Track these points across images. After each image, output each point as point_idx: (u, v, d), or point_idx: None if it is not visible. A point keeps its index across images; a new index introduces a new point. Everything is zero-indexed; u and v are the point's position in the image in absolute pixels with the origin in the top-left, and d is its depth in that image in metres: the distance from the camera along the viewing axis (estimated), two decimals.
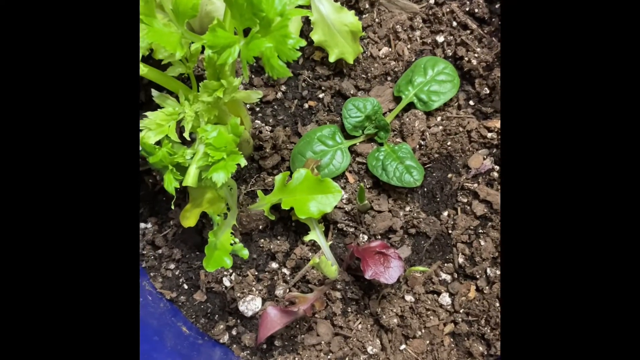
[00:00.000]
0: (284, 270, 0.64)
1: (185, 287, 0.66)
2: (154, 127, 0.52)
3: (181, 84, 0.54)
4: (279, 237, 0.65)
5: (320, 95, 0.70)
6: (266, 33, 0.42)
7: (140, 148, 0.52)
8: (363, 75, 0.70)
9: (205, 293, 0.65)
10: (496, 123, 0.65)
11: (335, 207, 0.65)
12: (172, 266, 0.66)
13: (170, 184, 0.53)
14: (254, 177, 0.68)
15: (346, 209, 0.65)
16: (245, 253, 0.54)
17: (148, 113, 0.52)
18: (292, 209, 0.63)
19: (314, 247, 0.64)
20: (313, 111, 0.70)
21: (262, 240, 0.65)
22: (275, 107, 0.70)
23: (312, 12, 0.66)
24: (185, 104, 0.53)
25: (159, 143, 0.53)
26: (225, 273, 0.64)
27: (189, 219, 0.60)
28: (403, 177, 0.63)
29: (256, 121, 0.69)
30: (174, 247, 0.66)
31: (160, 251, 0.67)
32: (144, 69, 0.48)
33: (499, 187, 0.63)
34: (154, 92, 0.53)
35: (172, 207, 0.59)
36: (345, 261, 0.63)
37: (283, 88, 0.71)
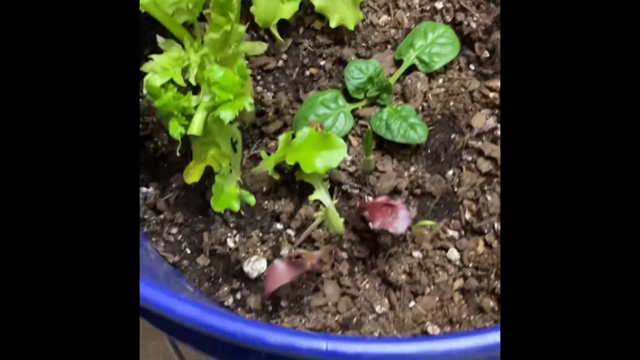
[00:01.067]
0: (289, 231, 0.63)
1: (188, 251, 0.64)
2: (159, 70, 0.52)
3: (186, 32, 0.54)
4: (282, 199, 0.64)
5: (322, 63, 0.70)
6: None
7: (145, 92, 0.52)
8: (363, 44, 0.70)
9: (208, 256, 0.64)
10: (498, 83, 0.66)
11: (339, 168, 0.65)
12: (174, 230, 0.65)
13: (175, 130, 0.52)
14: (256, 143, 0.67)
15: (350, 170, 0.65)
16: (252, 200, 0.53)
17: (153, 56, 0.52)
18: (296, 169, 0.63)
19: (319, 207, 0.63)
20: (314, 78, 0.70)
21: (266, 202, 0.64)
22: (277, 74, 0.71)
23: None
24: (190, 50, 0.53)
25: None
26: (228, 234, 0.63)
27: (193, 175, 0.59)
28: (408, 134, 0.63)
29: (257, 87, 0.69)
30: (176, 211, 0.65)
31: (162, 216, 0.65)
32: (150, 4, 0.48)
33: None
34: (159, 38, 0.53)
35: (178, 153, 0.58)
36: (351, 222, 0.62)
37: (284, 56, 0.71)
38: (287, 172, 0.65)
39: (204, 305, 0.41)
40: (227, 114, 0.49)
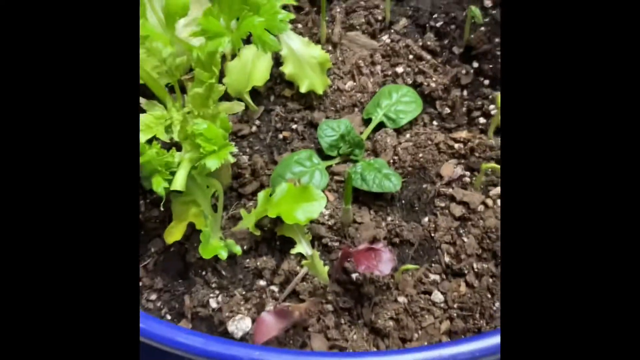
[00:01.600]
0: (273, 287, 0.63)
1: (169, 317, 0.62)
2: (143, 128, 0.53)
3: (167, 93, 0.56)
4: (264, 256, 0.64)
5: (294, 126, 0.73)
6: (256, 13, 0.46)
7: None
8: (332, 108, 0.74)
9: (190, 320, 0.62)
10: (461, 134, 0.70)
11: (318, 222, 0.66)
12: (153, 296, 0.63)
13: (159, 185, 0.53)
14: (234, 204, 0.68)
15: (329, 223, 0.66)
16: (238, 249, 0.54)
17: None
18: (276, 226, 0.64)
19: (301, 260, 0.64)
20: (288, 141, 0.73)
21: (247, 260, 0.64)
22: (251, 139, 0.73)
23: (282, 48, 0.71)
24: (172, 109, 0.55)
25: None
26: (211, 295, 0.62)
27: (174, 234, 0.59)
28: (383, 183, 0.65)
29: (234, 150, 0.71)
30: (155, 277, 0.64)
31: (140, 282, 0.64)
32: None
33: (473, 189, 0.67)
34: (142, 99, 0.55)
35: (162, 208, 0.58)
36: (334, 272, 0.63)
37: (257, 122, 0.74)
38: (267, 230, 0.66)
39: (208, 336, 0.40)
40: (213, 163, 0.50)
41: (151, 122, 0.53)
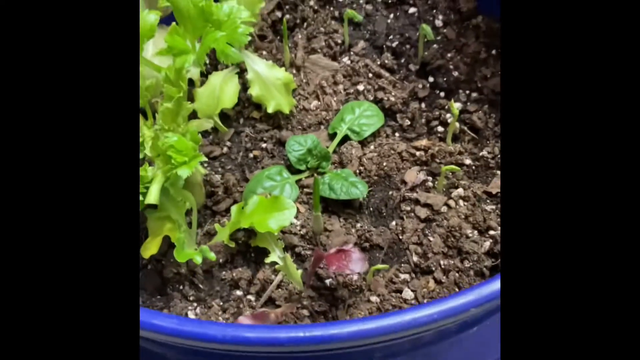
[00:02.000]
0: (249, 296, 0.65)
1: None
2: None
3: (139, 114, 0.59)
4: (240, 267, 0.66)
5: (263, 145, 0.77)
6: (218, 29, 0.50)
7: None
8: (299, 126, 0.78)
9: None
10: (422, 142, 0.74)
11: (291, 232, 0.68)
12: None
13: None
14: (208, 221, 0.71)
15: (301, 233, 0.68)
16: (212, 255, 0.56)
17: None
18: (250, 238, 0.67)
19: (276, 269, 0.66)
20: (258, 159, 0.76)
21: (224, 272, 0.66)
22: (223, 160, 0.76)
23: (248, 71, 0.75)
24: (143, 127, 0.58)
25: None
26: (189, 307, 0.64)
27: (151, 249, 0.61)
28: (350, 191, 0.68)
29: (206, 168, 0.74)
30: None
31: None
32: None
33: (435, 192, 0.70)
34: None
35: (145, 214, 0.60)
36: (307, 280, 0.65)
37: (228, 144, 0.77)
38: (241, 243, 0.68)
39: (182, 317, 0.42)
40: (184, 172, 0.53)
41: None
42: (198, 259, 0.54)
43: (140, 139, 0.58)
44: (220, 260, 0.67)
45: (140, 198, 0.56)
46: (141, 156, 0.58)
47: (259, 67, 0.76)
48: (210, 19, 0.50)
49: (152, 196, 0.56)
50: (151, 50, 0.66)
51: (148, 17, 0.53)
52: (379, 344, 0.45)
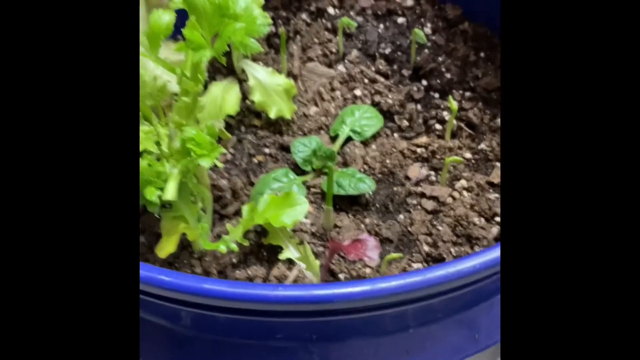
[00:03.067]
0: None
1: None
2: None
3: (152, 113, 0.60)
4: (253, 266, 0.67)
5: (267, 150, 0.78)
6: (236, 21, 0.52)
7: None
8: (300, 132, 0.80)
9: None
10: (422, 139, 0.77)
11: (302, 230, 0.69)
12: None
13: (152, 194, 0.56)
14: (217, 225, 0.71)
15: (312, 230, 0.69)
16: (234, 246, 0.56)
17: None
18: (261, 237, 0.67)
19: (291, 265, 0.66)
20: (262, 164, 0.77)
21: (237, 272, 0.66)
22: (227, 166, 0.77)
23: (249, 79, 0.77)
24: (157, 126, 0.59)
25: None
26: None
27: (167, 248, 0.61)
28: (358, 186, 0.70)
29: (212, 177, 0.75)
30: None
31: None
32: None
33: (439, 185, 0.72)
34: None
35: (158, 216, 0.60)
36: (323, 275, 0.65)
37: (231, 150, 0.78)
38: (252, 243, 0.68)
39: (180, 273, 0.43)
40: (206, 162, 0.54)
41: (141, 136, 0.56)
42: (223, 248, 0.54)
43: (155, 138, 0.58)
44: (234, 260, 0.67)
45: (160, 193, 0.56)
46: (156, 155, 0.59)
47: (260, 75, 0.78)
48: (227, 13, 0.52)
49: (170, 192, 0.57)
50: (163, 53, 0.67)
51: (163, 17, 0.55)
52: (414, 303, 0.46)
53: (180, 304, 0.49)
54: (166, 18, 0.55)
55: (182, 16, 0.61)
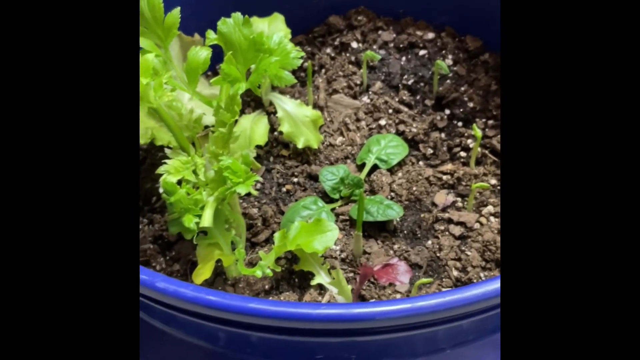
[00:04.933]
0: None
1: None
2: (173, 171, 0.59)
3: (189, 143, 0.63)
4: (285, 292, 0.68)
5: (295, 180, 0.80)
6: (270, 55, 0.55)
7: (161, 191, 0.58)
8: (327, 161, 0.82)
9: None
10: (447, 167, 0.78)
11: (332, 257, 0.71)
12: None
13: (190, 221, 0.58)
14: (249, 253, 0.73)
15: (342, 257, 0.71)
16: (269, 271, 0.57)
17: (166, 160, 0.59)
18: (292, 264, 0.69)
19: (322, 291, 0.67)
20: (291, 193, 0.79)
21: (270, 298, 0.67)
22: (258, 195, 0.79)
23: (277, 110, 0.80)
24: (194, 156, 0.61)
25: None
26: None
27: (203, 274, 0.63)
28: (386, 212, 0.71)
29: (243, 205, 0.77)
30: None
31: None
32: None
33: (466, 211, 0.73)
34: (167, 150, 0.62)
35: (195, 242, 0.62)
36: (354, 300, 0.66)
37: (260, 180, 0.80)
38: (284, 270, 0.70)
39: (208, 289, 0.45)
40: (242, 189, 0.56)
41: (179, 166, 0.59)
42: (259, 273, 0.56)
43: (192, 168, 0.61)
44: (266, 287, 0.68)
45: (196, 221, 0.58)
46: (193, 183, 0.61)
47: (288, 106, 0.80)
48: (261, 48, 0.55)
49: (207, 219, 0.59)
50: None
51: (200, 53, 0.58)
52: (446, 324, 0.47)
53: (222, 323, 0.50)
54: (203, 54, 0.58)
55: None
